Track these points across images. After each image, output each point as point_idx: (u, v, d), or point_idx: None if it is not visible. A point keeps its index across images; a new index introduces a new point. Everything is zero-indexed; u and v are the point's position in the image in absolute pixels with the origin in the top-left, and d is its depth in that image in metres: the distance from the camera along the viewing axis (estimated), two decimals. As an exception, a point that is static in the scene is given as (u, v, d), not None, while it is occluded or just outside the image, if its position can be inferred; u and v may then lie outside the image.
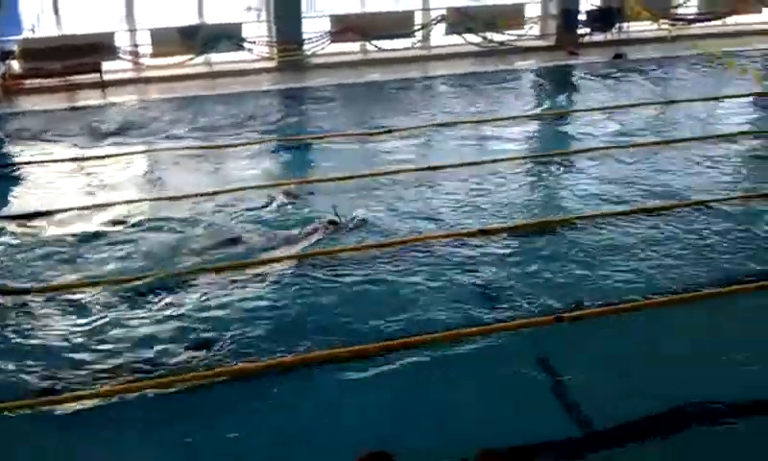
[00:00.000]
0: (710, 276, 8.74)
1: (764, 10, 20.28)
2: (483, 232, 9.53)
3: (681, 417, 6.41)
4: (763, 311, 8.19)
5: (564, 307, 8.03)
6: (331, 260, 8.66)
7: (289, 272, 8.37)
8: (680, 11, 19.50)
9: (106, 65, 17.04)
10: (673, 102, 14.93)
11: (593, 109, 14.62)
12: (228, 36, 17.38)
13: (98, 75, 16.85)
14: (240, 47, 17.57)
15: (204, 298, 7.82)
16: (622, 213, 10.12)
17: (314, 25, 17.85)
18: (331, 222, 9.99)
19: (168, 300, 7.78)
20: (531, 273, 8.75)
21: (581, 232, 9.77)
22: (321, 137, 13.38)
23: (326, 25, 17.72)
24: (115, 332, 7.20)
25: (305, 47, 17.37)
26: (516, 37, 18.25)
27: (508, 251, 9.30)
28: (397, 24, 17.92)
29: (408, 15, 18.32)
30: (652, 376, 7.11)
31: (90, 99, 16.20)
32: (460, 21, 17.94)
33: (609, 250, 9.32)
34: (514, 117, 14.14)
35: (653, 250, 9.31)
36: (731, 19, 19.81)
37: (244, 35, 17.66)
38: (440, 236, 9.36)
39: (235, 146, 12.96)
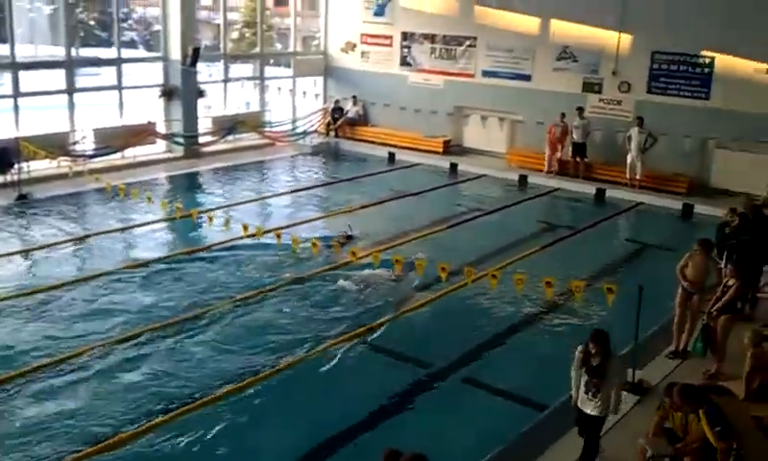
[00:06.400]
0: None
1: (159, 141, 21.51)
2: None
3: None
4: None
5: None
6: None
7: None
8: (77, 147, 19.41)
9: None
10: (87, 236, 14.75)
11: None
12: None
13: None
14: None
15: None
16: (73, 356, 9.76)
17: None
18: (348, 236, 14.14)
19: None
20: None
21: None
22: None
23: None
24: None
25: None
26: None
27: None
28: None
29: None
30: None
31: None
32: None
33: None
34: None
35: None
36: (129, 152, 20.51)
37: None
38: None
39: None
